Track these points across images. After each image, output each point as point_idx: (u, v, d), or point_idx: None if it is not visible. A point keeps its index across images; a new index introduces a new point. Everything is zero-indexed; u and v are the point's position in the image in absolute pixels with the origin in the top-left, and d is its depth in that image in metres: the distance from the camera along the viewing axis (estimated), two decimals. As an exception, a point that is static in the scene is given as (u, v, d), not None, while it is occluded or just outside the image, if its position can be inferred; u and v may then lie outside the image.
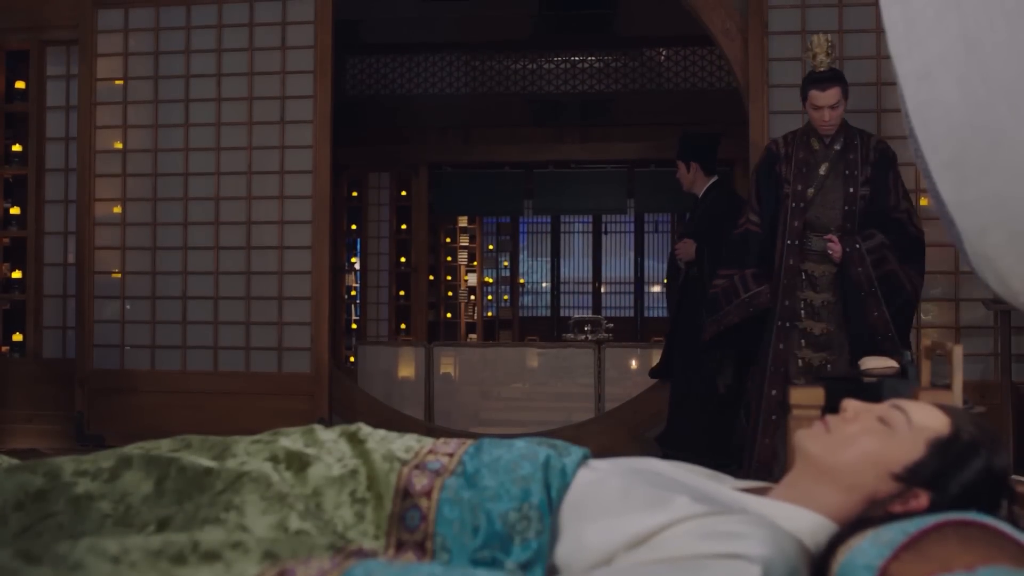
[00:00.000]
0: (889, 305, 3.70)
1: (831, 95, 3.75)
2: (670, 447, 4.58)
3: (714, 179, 4.76)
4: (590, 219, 12.43)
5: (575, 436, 4.48)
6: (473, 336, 10.72)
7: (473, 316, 10.87)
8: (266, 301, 5.14)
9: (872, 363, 3.72)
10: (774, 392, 3.90)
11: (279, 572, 1.05)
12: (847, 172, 3.82)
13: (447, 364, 6.61)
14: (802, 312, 3.85)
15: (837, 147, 3.86)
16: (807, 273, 3.86)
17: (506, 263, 11.80)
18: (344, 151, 7.45)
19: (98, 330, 5.23)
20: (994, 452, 1.28)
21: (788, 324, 3.86)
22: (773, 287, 3.90)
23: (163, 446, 1.39)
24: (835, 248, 3.76)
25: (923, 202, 4.69)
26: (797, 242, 3.85)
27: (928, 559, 1.09)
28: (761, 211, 3.97)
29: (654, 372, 5.10)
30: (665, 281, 5.29)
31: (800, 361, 3.86)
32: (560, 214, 12.10)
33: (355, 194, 9.33)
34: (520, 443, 1.35)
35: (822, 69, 3.80)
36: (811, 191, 3.86)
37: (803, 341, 3.85)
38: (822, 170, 3.86)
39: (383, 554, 1.23)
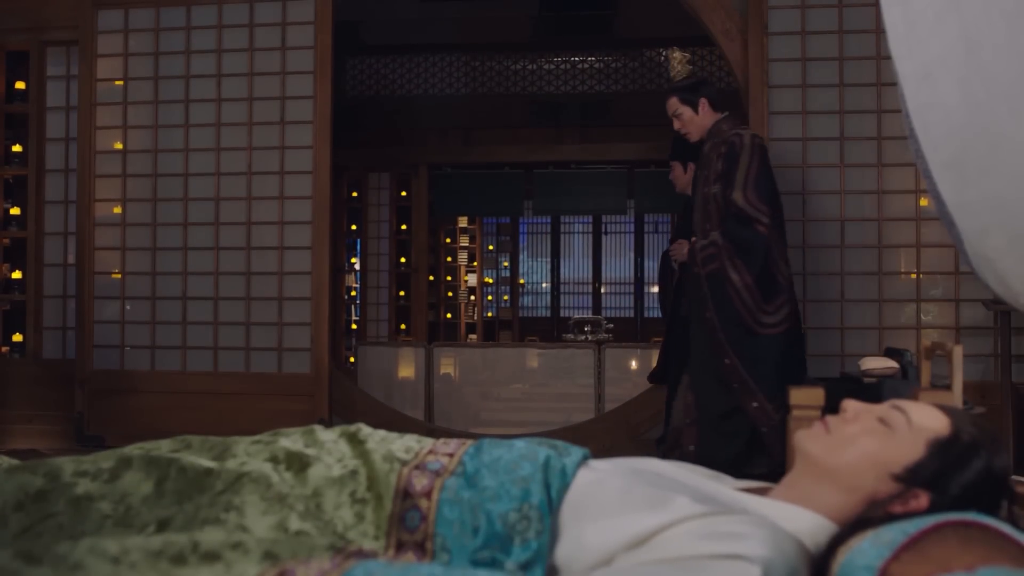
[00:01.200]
0: (716, 304, 3.71)
1: (669, 106, 4.00)
2: (669, 449, 4.57)
3: None
4: (590, 219, 12.43)
5: (575, 436, 4.47)
6: (473, 336, 10.72)
7: (473, 316, 10.87)
8: (266, 302, 5.13)
9: (872, 363, 3.73)
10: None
11: (279, 572, 1.05)
12: (705, 174, 3.89)
13: (447, 364, 6.60)
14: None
15: (705, 150, 3.96)
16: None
17: (506, 263, 11.80)
18: (344, 152, 7.46)
19: (98, 331, 5.23)
20: (994, 453, 1.28)
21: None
22: None
23: (163, 447, 1.39)
24: (680, 251, 4.02)
25: (923, 203, 4.69)
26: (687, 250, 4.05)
27: (928, 559, 1.09)
28: None
29: (653, 377, 5.07)
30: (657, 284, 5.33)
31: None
32: (560, 214, 12.10)
33: (355, 195, 9.33)
34: (520, 443, 1.35)
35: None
36: (692, 199, 4.07)
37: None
38: (698, 177, 4.02)
39: (383, 554, 1.23)
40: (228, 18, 5.21)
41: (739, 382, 3.64)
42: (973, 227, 1.51)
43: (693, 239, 3.89)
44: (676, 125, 3.99)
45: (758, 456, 3.67)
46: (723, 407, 3.70)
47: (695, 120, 3.94)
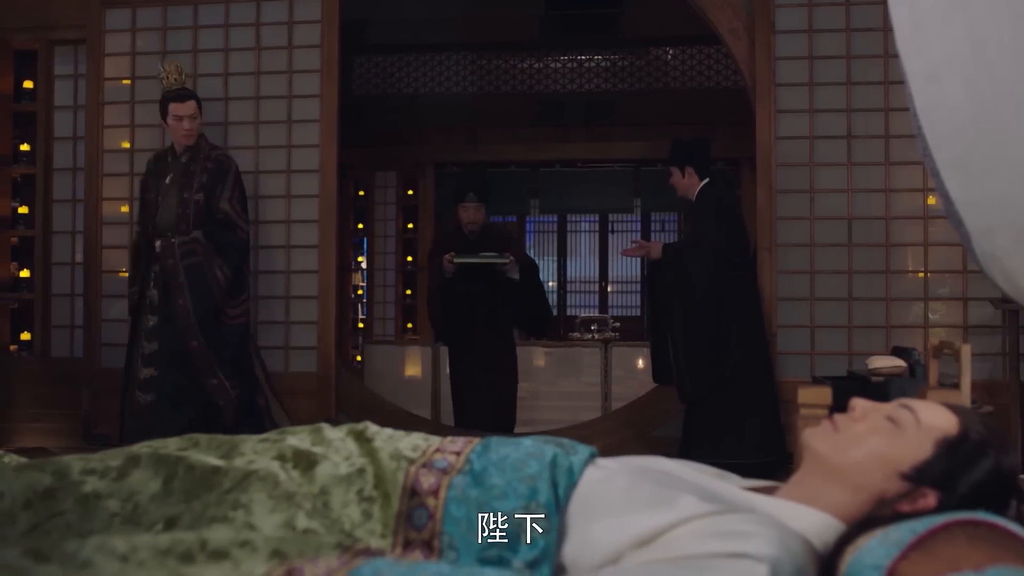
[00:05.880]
0: (193, 293, 4.28)
1: (188, 107, 4.50)
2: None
3: (706, 181, 4.73)
4: (596, 218, 12.41)
5: (582, 435, 4.46)
6: (479, 335, 10.67)
7: (479, 315, 10.83)
8: (273, 300, 5.14)
9: (879, 362, 3.73)
10: None
11: (287, 571, 1.05)
12: (184, 180, 4.46)
13: (453, 363, 6.59)
14: (147, 306, 4.44)
15: (184, 159, 4.51)
16: (154, 272, 4.42)
17: (512, 262, 11.76)
18: (350, 151, 7.45)
19: (106, 329, 5.23)
20: (1003, 452, 1.28)
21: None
22: None
23: (171, 445, 1.39)
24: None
25: (930, 201, 4.68)
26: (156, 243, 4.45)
27: (936, 558, 1.09)
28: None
29: (655, 376, 5.05)
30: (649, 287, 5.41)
31: (143, 352, 4.40)
32: (566, 213, 12.08)
33: (361, 193, 9.33)
34: (527, 442, 1.35)
35: (176, 88, 4.57)
36: (159, 198, 4.51)
37: (143, 333, 4.43)
38: (167, 179, 4.51)
39: (390, 553, 1.23)
40: (235, 17, 5.21)
41: (203, 362, 4.23)
42: (980, 225, 1.51)
43: (168, 237, 4.37)
44: (187, 126, 4.48)
45: (216, 428, 3.91)
46: (178, 383, 4.26)
47: (199, 127, 4.56)
